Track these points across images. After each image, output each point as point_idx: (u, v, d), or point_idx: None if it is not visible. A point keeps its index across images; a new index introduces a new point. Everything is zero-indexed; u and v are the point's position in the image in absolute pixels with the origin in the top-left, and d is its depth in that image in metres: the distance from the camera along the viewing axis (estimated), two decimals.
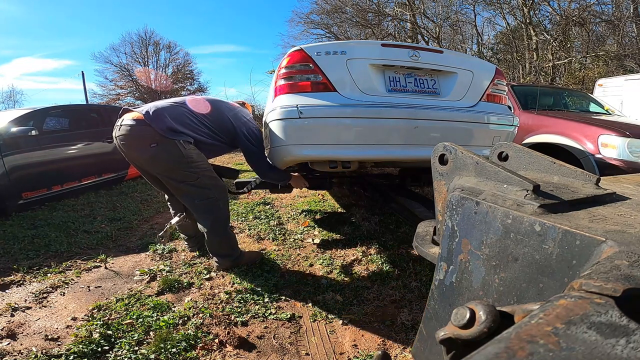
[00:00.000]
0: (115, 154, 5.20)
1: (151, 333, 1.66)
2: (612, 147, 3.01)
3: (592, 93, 6.62)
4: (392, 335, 1.68)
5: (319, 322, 1.78)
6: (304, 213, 3.64)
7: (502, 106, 2.50)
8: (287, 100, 2.09)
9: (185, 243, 2.69)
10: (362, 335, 1.68)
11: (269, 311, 1.85)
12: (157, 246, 2.74)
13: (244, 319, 1.78)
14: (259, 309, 1.87)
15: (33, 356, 1.49)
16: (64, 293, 2.08)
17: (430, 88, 2.30)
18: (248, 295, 2.00)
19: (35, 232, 3.15)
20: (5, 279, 2.23)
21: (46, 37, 51.91)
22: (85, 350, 1.52)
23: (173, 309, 1.88)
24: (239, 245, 2.45)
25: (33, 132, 3.95)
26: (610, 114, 4.50)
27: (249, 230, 3.14)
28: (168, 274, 2.28)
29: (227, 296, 2.00)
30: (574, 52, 14.71)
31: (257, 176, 3.38)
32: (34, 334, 1.68)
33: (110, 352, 1.53)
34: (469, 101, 2.34)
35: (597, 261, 0.43)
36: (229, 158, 8.73)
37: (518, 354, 0.26)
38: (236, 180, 2.91)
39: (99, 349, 1.54)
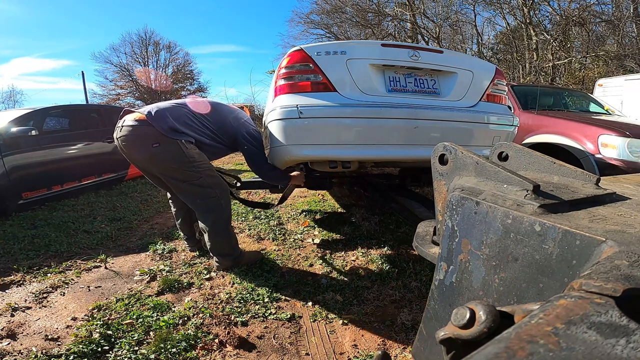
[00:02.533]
0: (115, 154, 5.21)
1: (151, 333, 1.66)
2: (612, 147, 3.01)
3: (592, 93, 6.62)
4: (392, 335, 1.68)
5: (319, 322, 1.78)
6: (304, 213, 3.64)
7: (502, 106, 2.50)
8: (287, 100, 2.09)
9: (185, 243, 2.69)
10: (362, 335, 1.68)
11: (269, 311, 1.85)
12: (157, 246, 2.74)
13: (244, 319, 1.78)
14: (259, 309, 1.87)
15: (33, 356, 1.49)
16: (64, 293, 2.08)
17: (430, 88, 2.30)
18: (248, 295, 2.00)
19: (35, 232, 3.15)
20: (5, 279, 2.23)
21: (45, 37, 51.97)
22: (85, 350, 1.52)
23: (173, 309, 1.88)
24: (239, 245, 2.45)
25: (33, 132, 3.95)
26: (610, 114, 4.50)
27: (249, 230, 3.14)
28: (168, 274, 2.28)
29: (227, 296, 2.00)
30: (574, 52, 14.71)
31: (257, 177, 3.38)
32: (34, 334, 1.68)
33: (110, 352, 1.53)
34: (469, 101, 2.34)
35: (597, 261, 0.43)
36: (229, 158, 8.74)
37: (518, 354, 0.26)
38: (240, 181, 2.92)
39: (99, 349, 1.54)
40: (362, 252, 2.59)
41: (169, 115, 2.11)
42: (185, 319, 1.78)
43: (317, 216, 3.56)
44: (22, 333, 1.69)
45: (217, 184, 2.25)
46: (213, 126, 2.28)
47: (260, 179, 2.96)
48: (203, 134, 2.23)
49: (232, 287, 2.12)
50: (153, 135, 2.04)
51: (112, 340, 1.60)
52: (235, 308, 1.88)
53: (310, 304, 1.93)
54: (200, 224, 2.27)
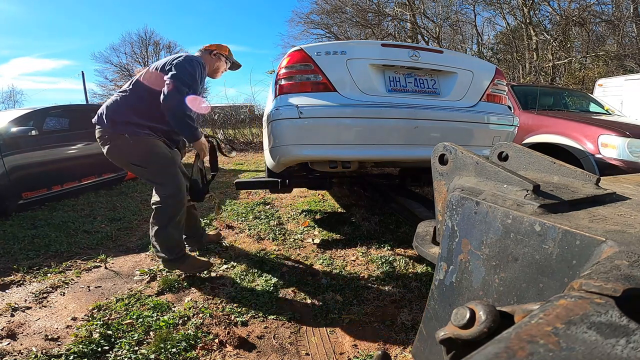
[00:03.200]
0: None
1: (151, 333, 1.66)
2: (612, 147, 3.01)
3: (592, 93, 6.62)
4: (392, 335, 1.68)
5: (319, 322, 1.78)
6: (304, 213, 3.64)
7: (502, 106, 2.51)
8: (287, 100, 2.09)
9: (185, 243, 2.69)
10: (362, 335, 1.68)
11: (269, 311, 1.85)
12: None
13: (244, 319, 1.78)
14: (259, 309, 1.87)
15: (33, 356, 1.49)
16: (64, 293, 2.08)
17: (430, 88, 2.31)
18: (248, 295, 2.00)
19: (35, 232, 3.15)
20: (5, 279, 2.23)
21: (44, 37, 52.04)
22: (85, 350, 1.52)
23: (173, 309, 1.88)
24: (208, 254, 2.42)
25: (33, 132, 3.95)
26: (610, 114, 4.50)
27: (249, 230, 3.13)
28: (168, 274, 2.28)
29: (227, 296, 2.00)
30: (574, 52, 14.72)
31: (257, 176, 3.35)
32: (34, 334, 1.68)
33: (110, 352, 1.53)
34: (469, 101, 2.34)
35: (597, 261, 0.43)
36: (229, 158, 8.71)
37: (518, 354, 0.26)
38: (236, 180, 2.93)
39: (99, 349, 1.54)
40: (362, 252, 2.59)
41: (107, 109, 2.06)
42: (185, 319, 1.78)
43: (317, 216, 3.56)
44: (22, 333, 1.69)
45: (165, 183, 2.07)
46: (150, 92, 2.04)
47: (258, 179, 2.97)
48: (141, 104, 2.04)
49: (232, 287, 2.12)
50: (103, 136, 2.05)
51: (112, 340, 1.60)
52: (235, 308, 1.88)
53: (310, 304, 1.93)
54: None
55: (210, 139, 2.48)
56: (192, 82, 1.99)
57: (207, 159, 2.39)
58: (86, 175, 4.69)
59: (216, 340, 1.61)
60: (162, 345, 1.54)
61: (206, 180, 2.49)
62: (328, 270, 2.33)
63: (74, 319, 1.81)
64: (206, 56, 2.29)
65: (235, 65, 2.55)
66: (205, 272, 2.29)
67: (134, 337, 1.62)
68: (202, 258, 2.35)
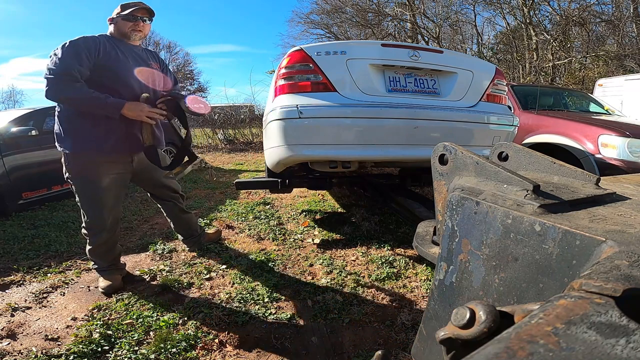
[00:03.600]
0: None
1: (151, 333, 1.66)
2: (612, 147, 3.02)
3: (592, 93, 6.62)
4: (392, 335, 1.68)
5: (319, 322, 1.78)
6: (304, 213, 3.64)
7: (502, 106, 2.51)
8: (287, 100, 2.09)
9: (184, 244, 2.69)
10: (362, 335, 1.68)
11: (269, 311, 1.85)
12: (157, 246, 2.74)
13: (244, 319, 1.78)
14: (259, 309, 1.87)
15: (33, 356, 1.49)
16: (64, 293, 2.08)
17: (430, 88, 2.31)
18: (248, 295, 2.00)
19: (35, 232, 3.15)
20: (5, 279, 2.23)
21: (44, 37, 52.14)
22: (85, 350, 1.52)
23: (173, 309, 1.88)
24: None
25: (33, 132, 3.95)
26: (610, 114, 4.50)
27: (249, 230, 3.13)
28: (168, 274, 2.28)
29: (227, 296, 2.00)
30: (574, 52, 14.71)
31: (257, 176, 3.35)
32: (34, 334, 1.68)
33: (110, 352, 1.53)
34: (469, 101, 2.34)
35: (597, 261, 0.43)
36: (229, 158, 8.72)
37: (518, 354, 0.26)
38: (236, 180, 2.94)
39: (99, 349, 1.54)
40: (362, 252, 2.59)
41: (55, 125, 1.98)
42: (185, 319, 1.78)
43: (317, 216, 3.56)
44: (22, 333, 1.69)
45: (86, 213, 2.11)
46: None
47: (258, 179, 2.97)
48: (65, 110, 1.93)
49: (232, 287, 2.12)
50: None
51: (112, 340, 1.60)
52: (235, 308, 1.88)
53: (310, 304, 1.94)
54: None
55: (167, 97, 2.05)
56: (60, 65, 1.78)
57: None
58: None
59: (216, 340, 1.61)
60: (162, 345, 1.54)
61: (182, 142, 2.19)
62: (328, 270, 2.33)
63: (74, 319, 1.81)
64: (111, 29, 2.04)
65: (149, 13, 2.05)
66: (205, 272, 2.29)
67: (134, 337, 1.62)
68: (116, 278, 2.12)
